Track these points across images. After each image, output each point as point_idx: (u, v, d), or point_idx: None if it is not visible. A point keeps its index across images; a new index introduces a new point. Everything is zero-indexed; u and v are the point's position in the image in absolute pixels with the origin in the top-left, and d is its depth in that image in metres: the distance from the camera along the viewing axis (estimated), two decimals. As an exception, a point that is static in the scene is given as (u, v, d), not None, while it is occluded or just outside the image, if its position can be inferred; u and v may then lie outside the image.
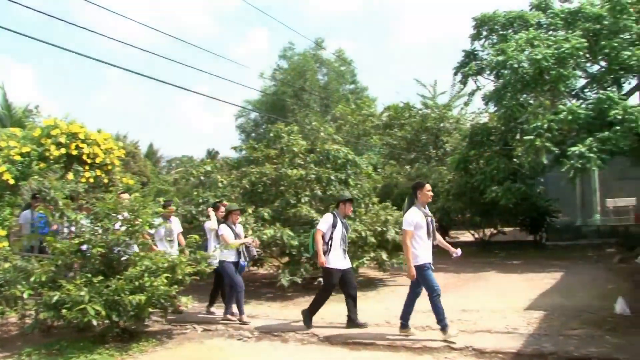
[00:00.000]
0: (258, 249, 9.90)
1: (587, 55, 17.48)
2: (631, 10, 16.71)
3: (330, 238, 8.37)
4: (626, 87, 18.38)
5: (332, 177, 12.61)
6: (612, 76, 17.28)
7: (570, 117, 15.10)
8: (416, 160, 23.51)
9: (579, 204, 24.34)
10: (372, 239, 11.82)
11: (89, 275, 7.66)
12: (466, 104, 23.08)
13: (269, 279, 12.88)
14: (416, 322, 8.25)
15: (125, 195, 9.83)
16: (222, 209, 9.91)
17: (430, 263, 7.41)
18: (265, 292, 12.05)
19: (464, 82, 20.54)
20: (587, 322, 8.12)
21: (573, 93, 18.50)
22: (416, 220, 7.40)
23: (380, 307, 9.86)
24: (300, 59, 36.13)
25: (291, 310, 9.99)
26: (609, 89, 17.05)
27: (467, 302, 10.06)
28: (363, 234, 11.66)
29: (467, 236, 22.33)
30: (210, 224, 9.77)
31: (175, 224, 10.32)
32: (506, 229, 21.14)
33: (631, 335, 7.25)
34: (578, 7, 17.92)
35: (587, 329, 7.70)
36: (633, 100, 18.05)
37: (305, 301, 11.04)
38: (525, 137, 15.75)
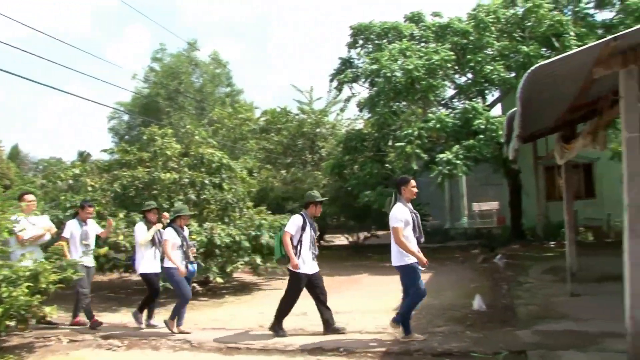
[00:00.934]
0: (195, 254, 9.14)
1: (456, 67, 18.50)
2: (493, 28, 17.88)
3: (300, 241, 7.91)
4: (490, 99, 19.71)
5: (206, 181, 12.49)
6: (477, 88, 18.43)
7: (439, 126, 15.92)
8: (292, 165, 23.71)
9: (448, 208, 25.66)
10: (247, 244, 11.77)
11: None
12: (342, 110, 23.64)
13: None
14: (289, 325, 8.31)
15: (30, 197, 9.12)
16: (151, 216, 9.13)
17: (417, 262, 7.29)
18: (137, 298, 11.59)
19: (339, 89, 21.00)
20: (451, 319, 8.58)
21: (442, 102, 19.49)
22: (405, 217, 7.20)
23: (254, 311, 9.79)
24: (174, 61, 35.35)
25: (165, 316, 9.69)
26: (474, 99, 18.17)
27: (341, 304, 10.21)
28: (237, 238, 11.61)
29: (341, 240, 22.77)
30: (143, 237, 8.89)
31: (93, 228, 9.41)
32: (380, 233, 21.73)
33: (487, 329, 7.78)
34: (447, 22, 18.89)
35: (450, 326, 8.14)
36: (496, 111, 19.27)
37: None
38: (397, 144, 16.33)
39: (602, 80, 5.62)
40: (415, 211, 7.45)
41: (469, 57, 17.58)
